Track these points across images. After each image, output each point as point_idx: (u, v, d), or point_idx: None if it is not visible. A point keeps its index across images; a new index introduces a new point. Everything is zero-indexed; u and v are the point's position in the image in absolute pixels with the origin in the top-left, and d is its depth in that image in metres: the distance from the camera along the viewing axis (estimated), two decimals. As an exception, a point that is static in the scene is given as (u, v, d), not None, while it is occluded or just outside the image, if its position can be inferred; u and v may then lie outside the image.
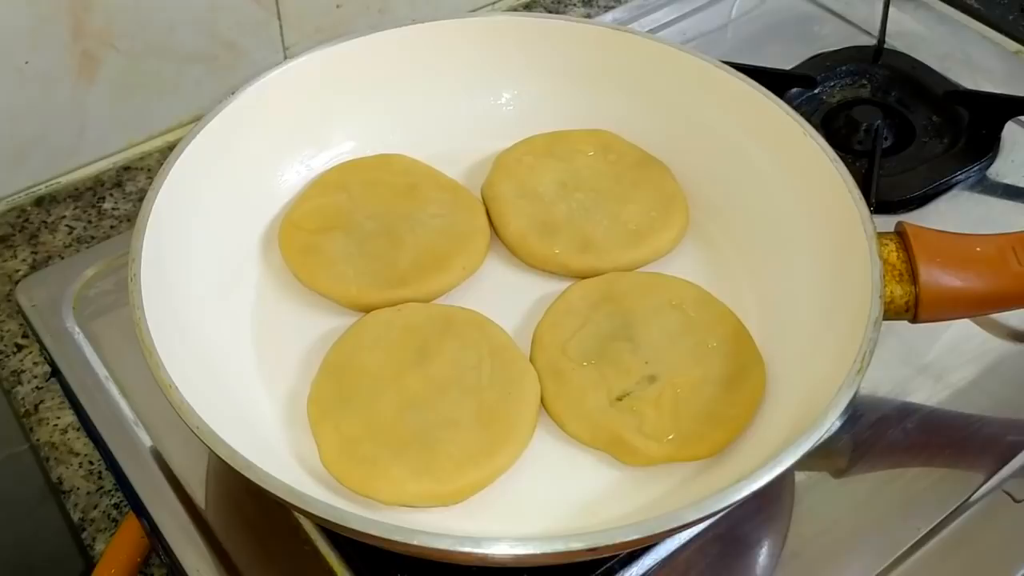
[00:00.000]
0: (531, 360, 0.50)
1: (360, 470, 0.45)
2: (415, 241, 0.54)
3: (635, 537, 0.38)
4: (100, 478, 0.52)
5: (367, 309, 0.51)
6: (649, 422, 0.46)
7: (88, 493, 0.52)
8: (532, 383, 0.48)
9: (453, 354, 0.49)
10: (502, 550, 0.37)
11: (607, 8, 0.80)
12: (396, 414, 0.46)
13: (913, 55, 0.73)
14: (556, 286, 0.53)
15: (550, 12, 0.81)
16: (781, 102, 0.54)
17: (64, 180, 0.66)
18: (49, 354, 0.56)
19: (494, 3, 0.79)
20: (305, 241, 0.54)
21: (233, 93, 0.54)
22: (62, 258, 0.61)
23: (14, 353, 0.57)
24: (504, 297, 0.53)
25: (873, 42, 0.74)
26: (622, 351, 0.49)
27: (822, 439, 0.39)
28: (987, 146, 0.66)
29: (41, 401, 0.55)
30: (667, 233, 0.55)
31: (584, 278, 0.53)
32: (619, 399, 0.47)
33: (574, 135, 0.59)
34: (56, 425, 0.54)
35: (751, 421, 0.47)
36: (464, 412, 0.47)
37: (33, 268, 0.61)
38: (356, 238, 0.54)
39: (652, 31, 0.76)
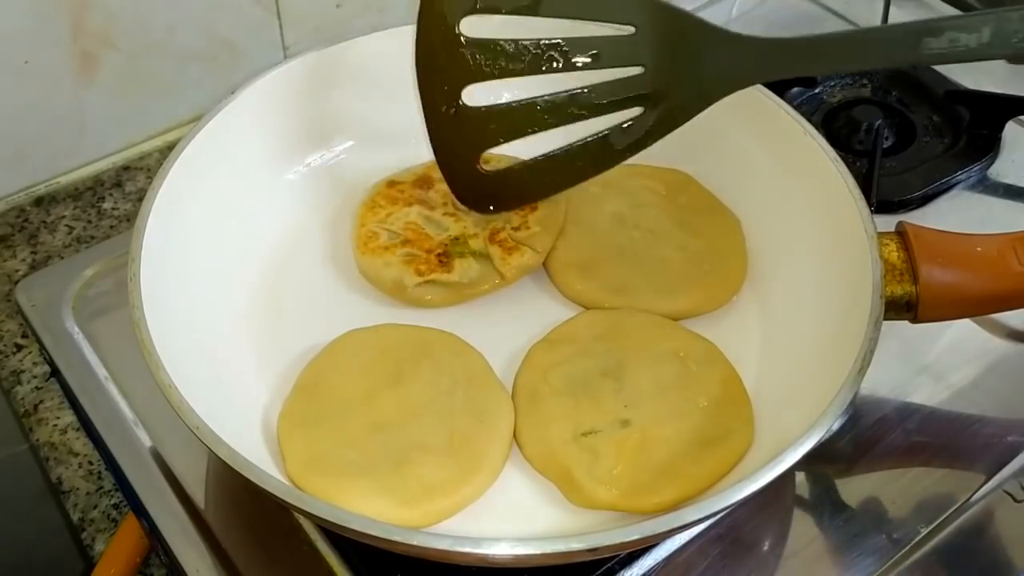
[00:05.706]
0: (516, 376, 0.49)
1: (326, 480, 0.43)
2: None
3: (635, 537, 0.38)
4: (100, 478, 0.52)
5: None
6: (603, 465, 0.44)
7: (88, 493, 0.52)
8: (507, 413, 0.47)
9: (428, 378, 0.48)
10: (502, 550, 0.37)
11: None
12: (366, 434, 0.46)
13: (913, 55, 0.73)
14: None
15: (550, 12, 0.80)
16: (781, 102, 0.54)
17: (64, 180, 0.66)
18: (49, 354, 0.56)
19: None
20: None
21: (233, 93, 0.54)
22: (62, 258, 0.61)
23: (14, 353, 0.57)
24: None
25: (873, 42, 0.74)
26: (605, 389, 0.47)
27: (822, 439, 0.39)
28: (987, 146, 0.66)
29: (41, 401, 0.55)
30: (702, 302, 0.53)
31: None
32: (584, 435, 0.46)
33: (649, 170, 0.58)
34: (56, 425, 0.54)
35: (712, 484, 0.44)
36: (436, 437, 0.45)
37: (33, 268, 0.61)
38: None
39: (652, 31, 0.76)
